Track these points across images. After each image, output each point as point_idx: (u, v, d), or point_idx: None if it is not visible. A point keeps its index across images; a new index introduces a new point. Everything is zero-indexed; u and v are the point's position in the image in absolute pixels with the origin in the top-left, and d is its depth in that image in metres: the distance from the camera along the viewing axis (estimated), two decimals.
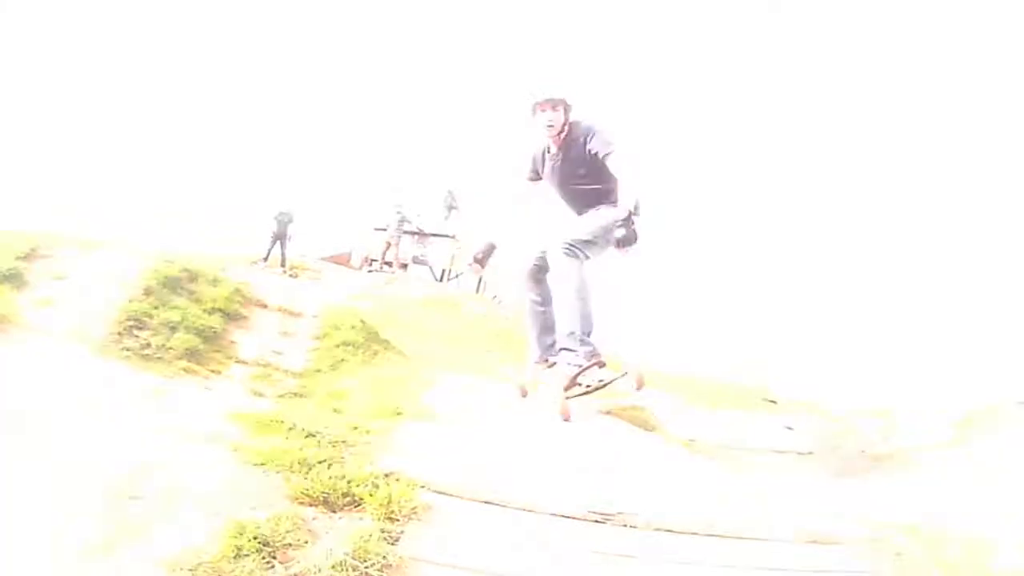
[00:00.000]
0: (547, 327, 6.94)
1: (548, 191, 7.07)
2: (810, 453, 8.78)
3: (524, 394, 6.92)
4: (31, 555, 2.42)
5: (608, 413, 6.70)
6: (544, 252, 6.76)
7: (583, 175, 6.56)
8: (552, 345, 6.77)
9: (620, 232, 5.94)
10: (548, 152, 6.74)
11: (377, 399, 6.01)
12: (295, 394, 7.21)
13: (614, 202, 6.35)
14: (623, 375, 6.21)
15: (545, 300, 6.96)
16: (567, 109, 6.46)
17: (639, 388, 6.15)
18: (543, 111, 6.41)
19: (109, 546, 2.49)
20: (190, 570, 2.39)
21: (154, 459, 2.99)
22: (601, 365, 6.23)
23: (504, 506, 3.42)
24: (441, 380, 7.49)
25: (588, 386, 6.20)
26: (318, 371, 8.55)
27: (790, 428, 9.91)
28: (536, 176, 6.96)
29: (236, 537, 2.58)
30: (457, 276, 31.95)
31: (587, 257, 6.42)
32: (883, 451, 9.01)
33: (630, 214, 6.07)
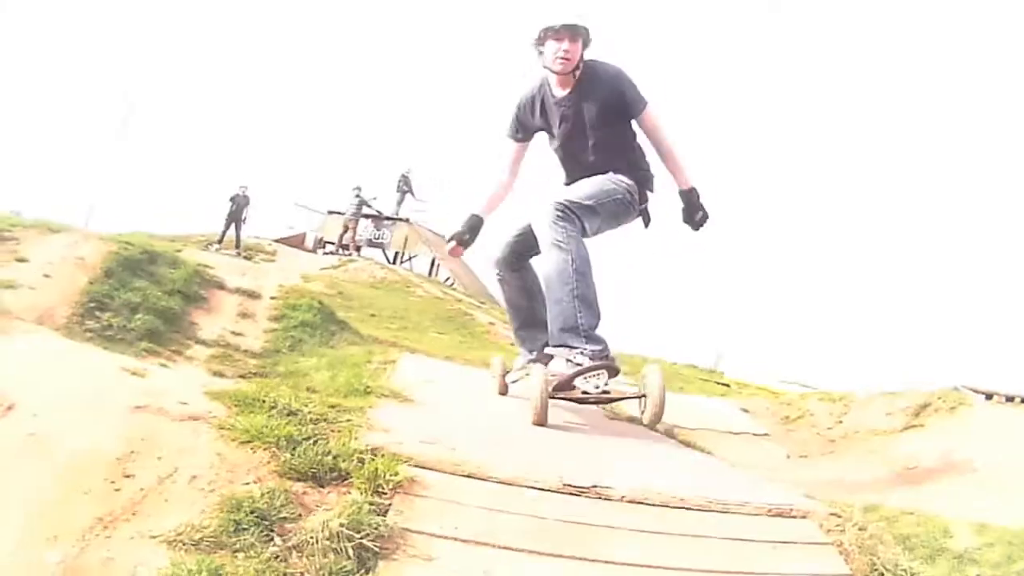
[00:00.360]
0: (533, 322, 5.93)
1: (541, 151, 5.86)
2: (766, 435, 8.94)
3: (503, 391, 6.06)
4: (30, 536, 2.43)
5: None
6: (522, 231, 5.65)
7: (603, 128, 5.36)
8: (547, 344, 5.50)
9: (699, 215, 5.37)
10: (551, 96, 5.47)
11: (340, 379, 6.03)
12: (255, 374, 7.23)
13: (626, 171, 5.42)
14: (640, 396, 5.17)
15: (528, 293, 5.91)
16: (585, 44, 5.23)
17: (652, 424, 5.19)
18: (558, 41, 5.12)
19: (107, 525, 2.50)
20: (193, 544, 2.42)
21: (143, 439, 3.00)
22: (613, 372, 5.09)
23: (484, 479, 3.47)
24: (400, 361, 7.51)
25: (586, 393, 5.02)
26: (277, 352, 8.63)
27: (745, 411, 10.03)
28: (524, 132, 5.72)
29: (234, 512, 2.60)
30: (410, 259, 32.01)
31: (585, 230, 5.20)
32: (837, 434, 9.12)
33: (695, 191, 5.38)
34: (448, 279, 30.21)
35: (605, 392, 5.02)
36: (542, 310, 5.51)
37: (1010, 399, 14.19)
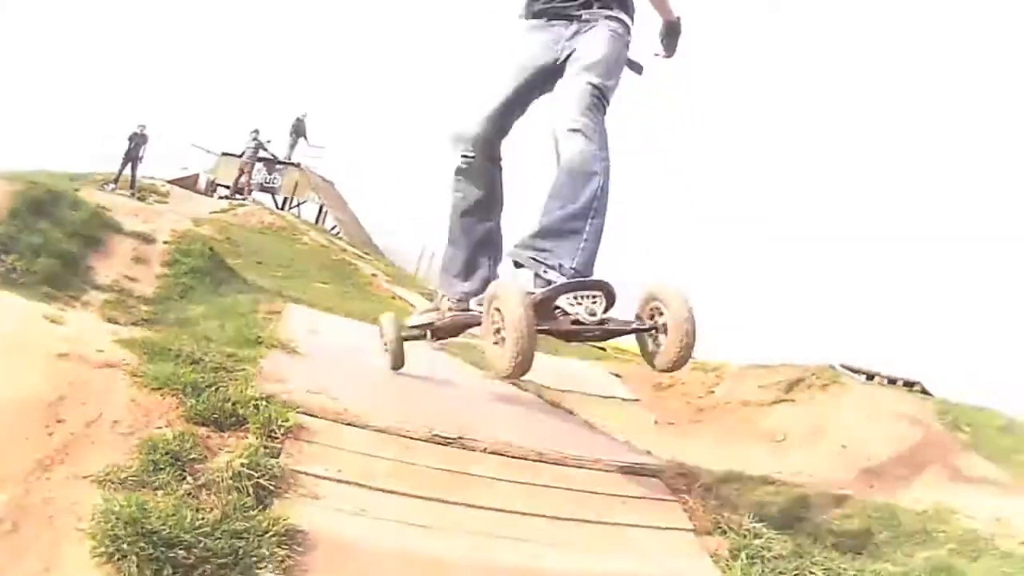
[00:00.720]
0: (487, 244, 4.51)
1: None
2: (635, 400, 8.90)
3: (399, 363, 5.08)
4: None
5: (442, 350, 6.90)
6: (516, 91, 4.24)
7: None
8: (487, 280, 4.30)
9: (677, 41, 4.54)
10: None
11: (228, 328, 6.22)
12: (147, 321, 7.29)
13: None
14: (650, 329, 3.73)
15: (492, 202, 4.50)
16: None
17: (673, 367, 3.71)
18: None
19: (46, 468, 2.71)
20: (120, 483, 2.68)
21: (69, 384, 3.20)
22: (610, 301, 3.70)
23: (364, 427, 3.80)
24: (285, 312, 7.66)
25: (577, 324, 3.59)
26: (168, 298, 8.66)
27: (618, 376, 9.95)
28: None
29: (151, 453, 2.86)
30: (299, 205, 31.51)
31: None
32: (708, 403, 9.17)
33: (680, 20, 4.50)
34: (334, 227, 29.96)
35: (602, 323, 3.66)
36: (499, 229, 4.51)
37: (892, 381, 13.50)
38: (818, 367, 9.65)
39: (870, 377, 13.61)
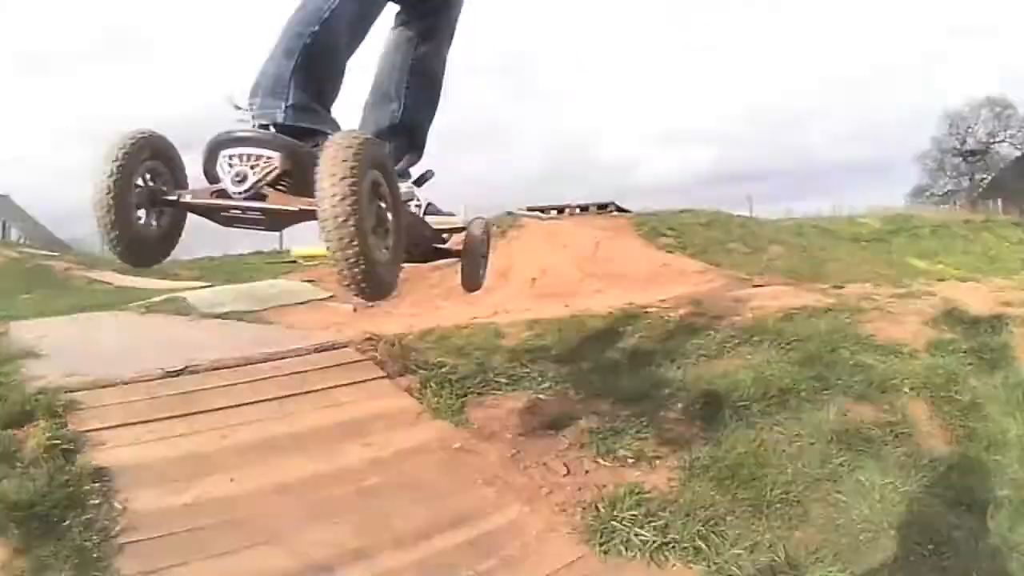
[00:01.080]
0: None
1: None
2: (331, 297, 9.38)
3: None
4: None
5: (149, 311, 8.07)
6: None
7: None
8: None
9: None
10: None
11: None
12: None
13: None
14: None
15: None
16: None
17: None
18: None
19: None
20: None
21: None
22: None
23: (115, 385, 5.03)
24: (9, 330, 8.28)
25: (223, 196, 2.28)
26: None
27: (310, 281, 10.52)
28: None
29: None
30: None
31: None
32: (400, 280, 9.70)
33: None
34: (20, 237, 29.02)
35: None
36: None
37: (584, 209, 14.52)
38: (497, 217, 10.33)
39: (560, 211, 14.66)
